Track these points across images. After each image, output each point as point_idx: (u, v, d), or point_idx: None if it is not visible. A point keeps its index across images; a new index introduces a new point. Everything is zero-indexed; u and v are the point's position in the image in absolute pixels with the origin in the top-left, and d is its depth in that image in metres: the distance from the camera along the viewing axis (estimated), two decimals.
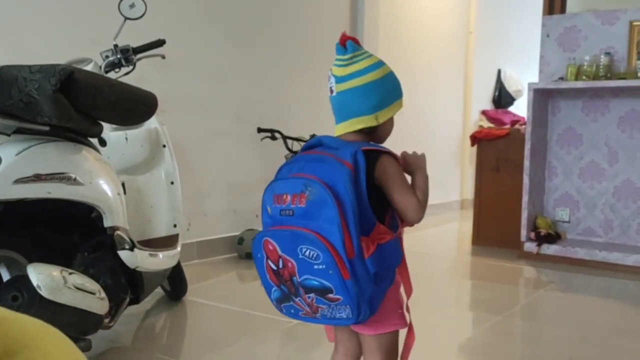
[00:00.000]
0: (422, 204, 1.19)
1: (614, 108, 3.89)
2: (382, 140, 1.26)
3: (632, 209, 3.85)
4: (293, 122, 4.16)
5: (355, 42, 1.23)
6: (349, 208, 1.07)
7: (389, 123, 1.25)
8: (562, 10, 4.15)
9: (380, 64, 1.23)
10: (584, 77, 3.78)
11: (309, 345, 2.22)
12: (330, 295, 1.09)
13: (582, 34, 3.95)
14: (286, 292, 1.16)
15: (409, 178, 1.25)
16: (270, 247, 1.14)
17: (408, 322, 1.25)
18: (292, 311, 1.19)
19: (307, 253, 1.08)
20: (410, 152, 1.30)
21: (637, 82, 3.55)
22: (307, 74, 4.37)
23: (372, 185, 1.15)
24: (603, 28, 3.87)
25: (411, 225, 1.23)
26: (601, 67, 3.75)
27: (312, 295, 1.12)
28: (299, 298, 1.14)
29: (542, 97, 3.99)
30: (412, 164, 1.26)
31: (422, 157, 1.28)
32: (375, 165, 1.15)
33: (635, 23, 3.75)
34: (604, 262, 3.61)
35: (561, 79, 3.92)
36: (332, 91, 1.22)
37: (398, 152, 1.27)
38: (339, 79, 1.21)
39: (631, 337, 2.38)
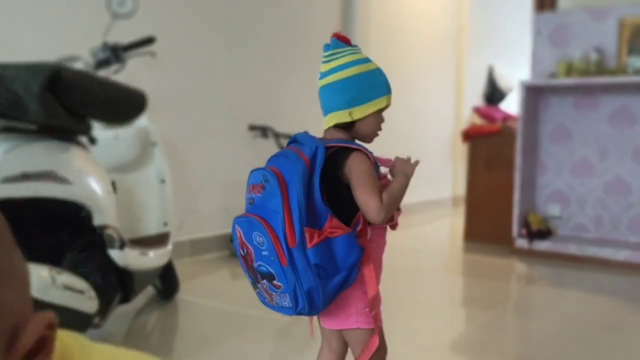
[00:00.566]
0: (386, 206, 1.17)
1: (605, 104, 3.90)
2: (365, 138, 1.26)
3: (622, 204, 3.88)
4: (285, 119, 4.15)
5: (343, 39, 1.25)
6: (294, 200, 1.10)
7: (371, 121, 1.24)
8: (553, 7, 4.16)
9: (362, 61, 1.23)
10: (574, 74, 3.79)
11: (302, 343, 2.21)
12: (275, 282, 1.14)
13: (573, 30, 3.96)
14: (252, 278, 1.21)
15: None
16: (238, 234, 1.19)
17: (378, 323, 1.23)
18: (262, 298, 1.23)
19: (257, 239, 1.13)
20: (402, 150, 1.30)
21: (627, 79, 3.57)
22: (299, 71, 4.36)
23: (344, 181, 1.18)
24: (593, 24, 3.89)
25: (395, 224, 1.23)
26: (592, 63, 3.77)
27: (265, 282, 1.16)
28: (260, 284, 1.19)
29: (533, 93, 4.00)
30: (397, 168, 1.25)
31: (411, 165, 1.26)
32: (345, 162, 1.18)
33: (625, 19, 3.77)
34: (595, 258, 3.63)
35: (552, 75, 3.94)
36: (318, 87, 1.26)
37: (390, 149, 1.27)
38: (322, 75, 1.25)
39: (622, 332, 2.40)
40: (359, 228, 1.18)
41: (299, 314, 1.16)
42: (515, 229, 3.93)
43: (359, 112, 1.21)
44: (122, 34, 2.57)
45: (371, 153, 1.22)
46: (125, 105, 1.85)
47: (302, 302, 1.12)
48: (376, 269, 1.23)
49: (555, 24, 4.02)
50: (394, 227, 1.26)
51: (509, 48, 7.07)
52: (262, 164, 1.26)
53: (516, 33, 6.76)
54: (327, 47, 1.25)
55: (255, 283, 1.20)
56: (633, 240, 3.82)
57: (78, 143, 1.88)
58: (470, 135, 4.43)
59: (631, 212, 3.84)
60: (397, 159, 1.27)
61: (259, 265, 1.15)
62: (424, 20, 6.01)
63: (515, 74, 5.67)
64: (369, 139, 1.26)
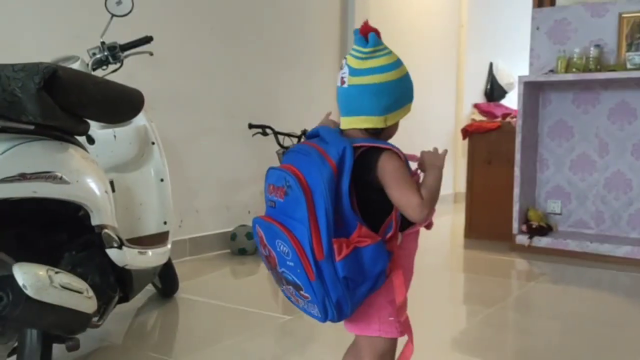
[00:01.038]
0: (427, 202, 1.11)
1: (604, 100, 3.89)
2: (387, 138, 1.21)
3: (622, 200, 3.87)
4: (284, 117, 4.15)
5: (378, 34, 1.18)
6: (321, 209, 1.05)
7: (395, 126, 1.21)
8: (552, 2, 4.15)
9: (398, 63, 1.18)
10: (574, 70, 3.78)
11: (303, 341, 2.22)
12: (302, 292, 1.11)
13: (572, 26, 3.95)
14: (276, 278, 1.18)
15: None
16: (260, 234, 1.16)
17: (403, 331, 1.21)
18: (287, 296, 1.21)
19: (281, 248, 1.09)
20: (404, 148, 1.22)
21: (626, 74, 3.56)
22: (297, 69, 4.35)
23: (375, 185, 1.13)
24: (592, 20, 3.88)
25: (422, 224, 1.19)
26: (591, 59, 3.76)
27: (290, 287, 1.13)
28: (285, 287, 1.16)
29: (532, 89, 3.99)
30: (427, 162, 1.21)
31: (440, 156, 1.22)
32: (377, 164, 1.12)
33: (624, 15, 3.76)
34: (595, 254, 3.62)
35: (551, 71, 3.93)
36: (343, 82, 1.16)
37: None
38: (354, 72, 1.15)
39: (621, 327, 2.40)
40: (389, 234, 1.13)
41: (330, 321, 1.14)
42: (515, 225, 3.92)
43: (392, 119, 1.17)
44: (120, 34, 2.57)
45: (401, 151, 1.16)
46: (122, 105, 1.84)
47: (332, 313, 1.10)
48: (405, 275, 1.19)
49: (554, 19, 4.01)
50: (429, 226, 1.21)
51: (509, 44, 7.06)
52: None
53: (516, 29, 6.74)
54: (363, 42, 1.16)
55: (279, 283, 1.18)
56: (633, 236, 3.81)
57: (76, 143, 1.88)
58: (470, 132, 4.43)
59: (632, 208, 3.83)
60: (424, 152, 1.23)
61: (284, 272, 1.11)
62: (423, 17, 6.00)
63: (516, 70, 5.65)
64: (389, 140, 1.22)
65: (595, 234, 3.92)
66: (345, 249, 1.05)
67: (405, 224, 1.18)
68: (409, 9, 5.76)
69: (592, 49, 3.77)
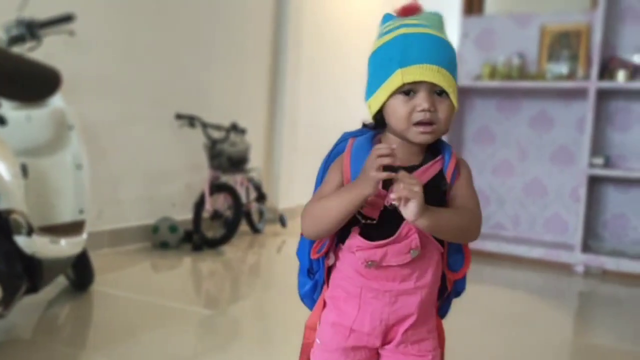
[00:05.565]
0: (304, 216, 0.94)
1: (525, 108, 4.07)
2: (402, 133, 0.92)
3: (538, 204, 4.06)
4: (213, 109, 4.07)
5: (402, 12, 0.96)
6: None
7: (394, 109, 0.91)
8: (480, 11, 4.29)
9: (381, 34, 0.93)
10: (498, 77, 3.93)
11: (225, 337, 2.17)
12: None
13: (498, 35, 4.10)
14: None
15: None
16: None
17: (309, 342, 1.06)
18: None
19: None
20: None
21: (546, 84, 3.73)
22: (229, 61, 4.29)
23: None
24: (517, 30, 4.04)
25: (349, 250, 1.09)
26: (514, 68, 3.92)
27: None
28: None
29: (459, 95, 4.10)
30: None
31: (373, 171, 0.85)
32: None
33: (546, 27, 3.94)
34: (512, 255, 3.78)
35: (477, 77, 4.06)
36: None
37: (323, 146, 1.13)
38: None
39: (533, 325, 2.51)
40: (325, 248, 0.98)
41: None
42: None
43: (374, 103, 0.94)
44: (39, 10, 2.43)
45: (335, 149, 0.98)
46: (35, 82, 1.74)
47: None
48: (338, 301, 0.97)
49: (482, 28, 4.15)
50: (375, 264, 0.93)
51: None
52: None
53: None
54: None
55: None
56: (547, 239, 4.00)
57: None
58: None
59: (547, 212, 4.02)
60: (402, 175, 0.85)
61: None
62: (357, 18, 6.06)
63: None
64: (407, 133, 0.91)
65: (513, 236, 4.09)
66: None
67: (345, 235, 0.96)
68: (343, 13, 5.81)
69: (515, 58, 3.93)
